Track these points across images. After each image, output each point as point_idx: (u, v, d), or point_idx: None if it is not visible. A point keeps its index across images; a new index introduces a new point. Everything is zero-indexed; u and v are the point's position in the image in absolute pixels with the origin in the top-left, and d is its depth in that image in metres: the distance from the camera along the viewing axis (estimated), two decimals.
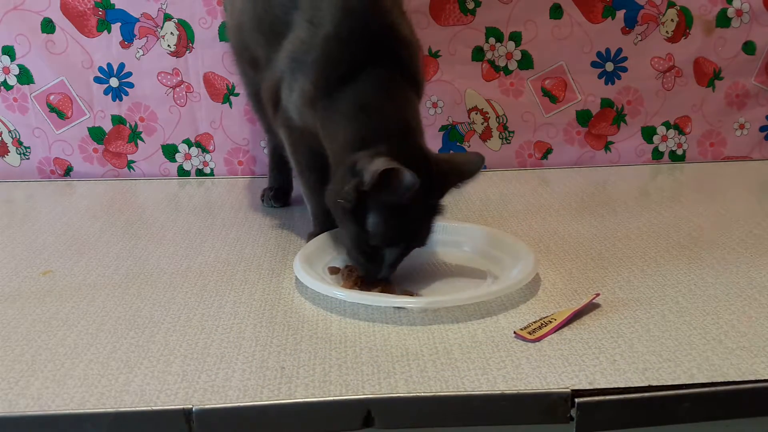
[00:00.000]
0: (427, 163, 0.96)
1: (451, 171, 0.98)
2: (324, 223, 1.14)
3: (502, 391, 0.75)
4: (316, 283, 0.96)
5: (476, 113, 1.65)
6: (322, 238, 1.11)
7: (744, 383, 0.76)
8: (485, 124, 1.65)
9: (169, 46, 1.58)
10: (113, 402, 0.74)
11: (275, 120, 1.16)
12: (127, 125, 1.62)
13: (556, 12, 1.59)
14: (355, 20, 1.01)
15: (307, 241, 1.13)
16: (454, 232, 1.15)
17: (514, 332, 0.86)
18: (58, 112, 1.61)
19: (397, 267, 1.00)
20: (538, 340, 0.85)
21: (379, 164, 0.89)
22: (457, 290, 1.00)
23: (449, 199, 1.01)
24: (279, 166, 1.41)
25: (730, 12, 1.62)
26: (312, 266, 1.02)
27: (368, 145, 0.95)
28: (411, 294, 0.98)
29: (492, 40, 1.60)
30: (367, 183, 0.90)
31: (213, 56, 1.58)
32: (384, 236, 0.95)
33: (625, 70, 1.63)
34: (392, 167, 0.88)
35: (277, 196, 1.38)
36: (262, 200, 1.40)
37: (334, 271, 1.05)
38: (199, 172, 1.66)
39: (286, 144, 1.17)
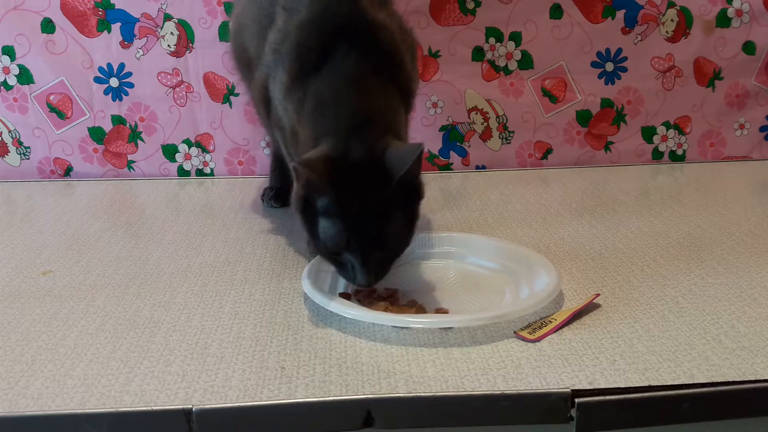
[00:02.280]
0: (371, 158, 0.90)
1: (391, 164, 0.90)
2: None
3: (502, 391, 0.75)
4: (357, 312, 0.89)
5: (476, 113, 1.65)
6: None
7: (744, 383, 0.76)
8: (485, 124, 1.65)
9: (169, 46, 1.58)
10: (113, 402, 0.74)
11: (265, 116, 1.13)
12: (127, 125, 1.62)
13: (556, 12, 1.59)
14: (327, 3, 0.99)
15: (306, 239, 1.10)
16: (461, 243, 1.11)
17: (514, 332, 0.86)
18: (58, 112, 1.61)
19: (384, 274, 0.94)
20: (538, 340, 0.85)
21: (295, 163, 0.88)
22: (481, 306, 0.95)
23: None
24: (281, 166, 1.39)
25: (730, 12, 1.61)
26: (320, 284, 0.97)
27: (317, 144, 0.92)
28: (446, 312, 0.93)
29: (492, 40, 1.60)
30: (299, 187, 0.90)
31: (213, 56, 1.58)
32: (333, 240, 0.90)
33: (625, 70, 1.63)
34: (294, 166, 0.87)
35: (278, 195, 1.37)
36: (263, 200, 1.39)
37: (345, 296, 0.96)
38: (199, 172, 1.66)
39: (281, 144, 1.14)
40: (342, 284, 1.00)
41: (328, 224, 0.90)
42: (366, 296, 0.96)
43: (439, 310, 0.93)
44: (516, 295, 0.97)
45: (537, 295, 0.92)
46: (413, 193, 0.94)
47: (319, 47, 0.97)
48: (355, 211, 0.89)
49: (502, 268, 1.05)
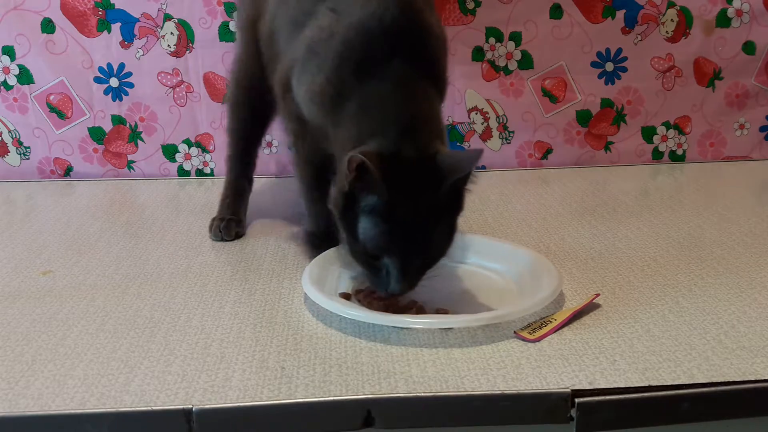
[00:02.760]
0: (424, 159, 0.88)
1: (448, 167, 0.88)
2: (315, 222, 1.10)
3: (502, 391, 0.75)
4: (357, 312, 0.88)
5: (476, 113, 1.65)
6: (329, 255, 1.04)
7: (744, 383, 0.76)
8: (485, 124, 1.65)
9: (169, 46, 1.58)
10: (113, 402, 0.74)
11: (283, 106, 1.10)
12: (127, 125, 1.62)
13: (556, 12, 1.59)
14: (383, 9, 0.94)
15: (305, 239, 1.09)
16: (461, 244, 1.07)
17: (514, 332, 0.86)
18: (58, 112, 1.61)
19: (417, 283, 0.91)
20: (538, 340, 0.85)
21: (350, 156, 0.84)
22: (482, 306, 0.95)
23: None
24: (235, 194, 1.29)
25: (730, 12, 1.61)
26: (324, 285, 0.96)
27: (362, 144, 0.89)
28: (446, 312, 0.92)
29: (492, 40, 1.60)
30: (346, 182, 0.85)
31: (213, 56, 1.58)
32: (375, 242, 0.87)
33: (625, 70, 1.63)
34: (350, 157, 0.83)
35: (229, 227, 1.23)
36: (210, 231, 1.23)
37: (345, 297, 0.96)
38: (199, 172, 1.66)
39: (290, 133, 1.11)
40: (343, 285, 1.00)
41: (372, 224, 0.87)
42: (366, 296, 0.96)
43: (440, 311, 0.93)
44: (516, 296, 0.97)
45: (537, 295, 0.92)
46: (458, 202, 0.91)
47: (367, 50, 0.94)
48: (403, 214, 0.86)
49: (503, 269, 1.05)
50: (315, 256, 1.04)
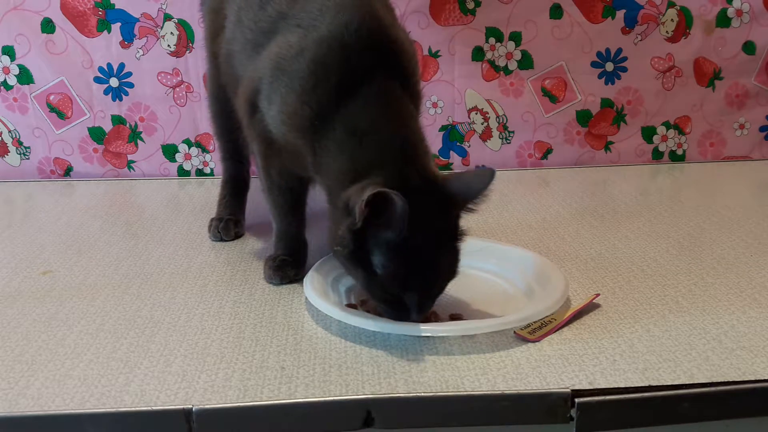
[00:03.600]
0: (433, 186, 0.85)
1: (459, 191, 0.86)
2: (288, 246, 1.06)
3: (502, 391, 0.75)
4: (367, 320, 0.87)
5: (476, 113, 1.65)
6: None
7: (744, 383, 0.76)
8: (485, 124, 1.65)
9: (169, 46, 1.58)
10: (113, 402, 0.74)
11: (249, 128, 1.03)
12: (127, 125, 1.62)
13: (556, 12, 1.59)
14: (350, 21, 0.90)
15: (266, 266, 1.05)
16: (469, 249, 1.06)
17: (514, 332, 0.86)
18: (58, 112, 1.61)
19: (432, 305, 0.89)
20: (538, 340, 0.85)
21: (364, 194, 0.78)
22: (489, 311, 0.94)
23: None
24: (233, 194, 1.29)
25: (730, 12, 1.61)
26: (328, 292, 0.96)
27: (362, 176, 0.84)
28: (460, 317, 0.91)
29: (492, 40, 1.60)
30: (358, 220, 0.80)
31: None
32: (397, 277, 0.83)
33: (625, 70, 1.63)
34: (376, 192, 0.78)
35: (228, 227, 1.23)
36: (209, 231, 1.23)
37: (351, 307, 0.94)
38: (199, 172, 1.66)
39: (258, 155, 1.05)
40: (344, 289, 1.00)
41: (389, 260, 0.83)
42: (375, 307, 0.92)
43: (453, 317, 0.92)
44: (523, 299, 0.97)
45: (543, 301, 0.91)
46: (458, 224, 0.89)
47: (341, 66, 0.89)
48: (419, 246, 0.83)
49: (505, 272, 1.04)
50: (284, 282, 1.02)
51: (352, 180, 0.85)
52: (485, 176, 0.86)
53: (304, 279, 0.98)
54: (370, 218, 0.80)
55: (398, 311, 0.86)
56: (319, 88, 0.90)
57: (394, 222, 0.80)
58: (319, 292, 0.94)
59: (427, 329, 0.86)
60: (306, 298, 0.95)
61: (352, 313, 0.89)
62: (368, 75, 0.89)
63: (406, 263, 0.83)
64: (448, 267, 0.87)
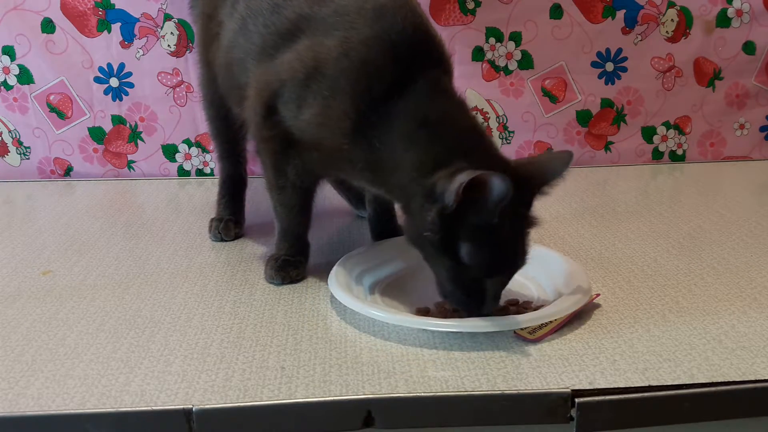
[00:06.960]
0: (513, 170, 0.84)
1: (536, 174, 0.87)
2: (291, 246, 1.05)
3: (502, 391, 0.75)
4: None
5: (476, 113, 1.64)
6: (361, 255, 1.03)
7: (744, 383, 0.77)
8: (485, 124, 1.65)
9: (169, 46, 1.58)
10: (113, 402, 0.74)
11: (262, 129, 1.01)
12: (127, 125, 1.62)
13: (556, 12, 1.59)
14: (394, 19, 0.91)
15: (267, 266, 1.05)
16: None
17: (514, 332, 0.86)
18: (58, 112, 1.61)
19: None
20: (538, 340, 0.85)
21: (462, 178, 0.78)
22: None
23: None
24: (232, 193, 1.29)
25: (730, 12, 1.62)
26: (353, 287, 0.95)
27: (442, 164, 0.84)
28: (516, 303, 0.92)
29: (492, 40, 1.60)
30: (452, 204, 0.80)
31: None
32: (484, 264, 0.84)
33: (625, 70, 1.63)
34: (478, 175, 0.78)
35: (228, 228, 1.23)
36: (210, 232, 1.23)
37: (423, 312, 0.93)
38: (199, 172, 1.66)
39: (269, 155, 1.03)
40: (367, 285, 0.99)
41: (479, 247, 0.83)
42: (440, 311, 0.93)
43: (510, 302, 0.92)
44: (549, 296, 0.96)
45: (563, 301, 0.90)
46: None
47: (394, 64, 0.90)
48: (506, 233, 0.83)
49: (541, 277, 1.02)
50: (285, 282, 1.02)
51: (432, 169, 0.84)
52: (563, 158, 0.88)
53: (330, 275, 0.97)
54: (462, 203, 0.80)
55: (474, 300, 0.86)
56: (374, 88, 0.90)
57: (489, 205, 0.80)
58: (344, 287, 0.94)
59: (430, 323, 0.87)
60: (332, 295, 0.94)
61: (374, 308, 0.89)
62: (418, 70, 0.90)
63: (494, 249, 0.84)
64: (524, 255, 0.87)
